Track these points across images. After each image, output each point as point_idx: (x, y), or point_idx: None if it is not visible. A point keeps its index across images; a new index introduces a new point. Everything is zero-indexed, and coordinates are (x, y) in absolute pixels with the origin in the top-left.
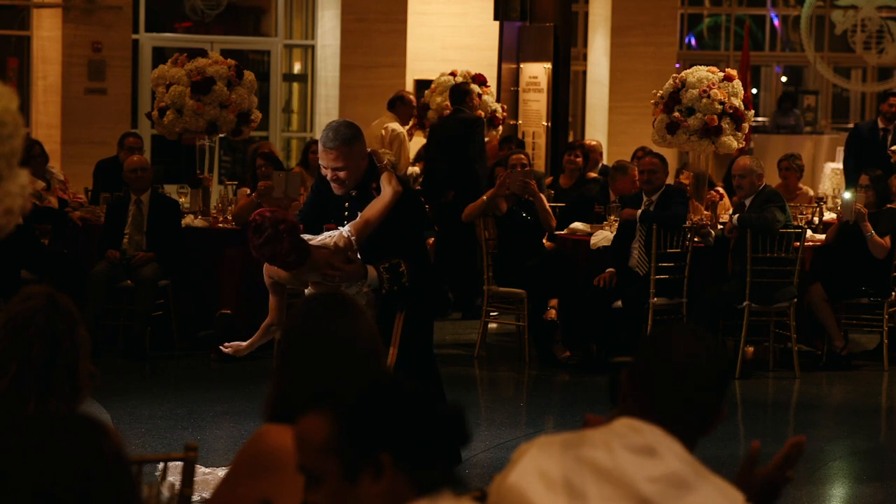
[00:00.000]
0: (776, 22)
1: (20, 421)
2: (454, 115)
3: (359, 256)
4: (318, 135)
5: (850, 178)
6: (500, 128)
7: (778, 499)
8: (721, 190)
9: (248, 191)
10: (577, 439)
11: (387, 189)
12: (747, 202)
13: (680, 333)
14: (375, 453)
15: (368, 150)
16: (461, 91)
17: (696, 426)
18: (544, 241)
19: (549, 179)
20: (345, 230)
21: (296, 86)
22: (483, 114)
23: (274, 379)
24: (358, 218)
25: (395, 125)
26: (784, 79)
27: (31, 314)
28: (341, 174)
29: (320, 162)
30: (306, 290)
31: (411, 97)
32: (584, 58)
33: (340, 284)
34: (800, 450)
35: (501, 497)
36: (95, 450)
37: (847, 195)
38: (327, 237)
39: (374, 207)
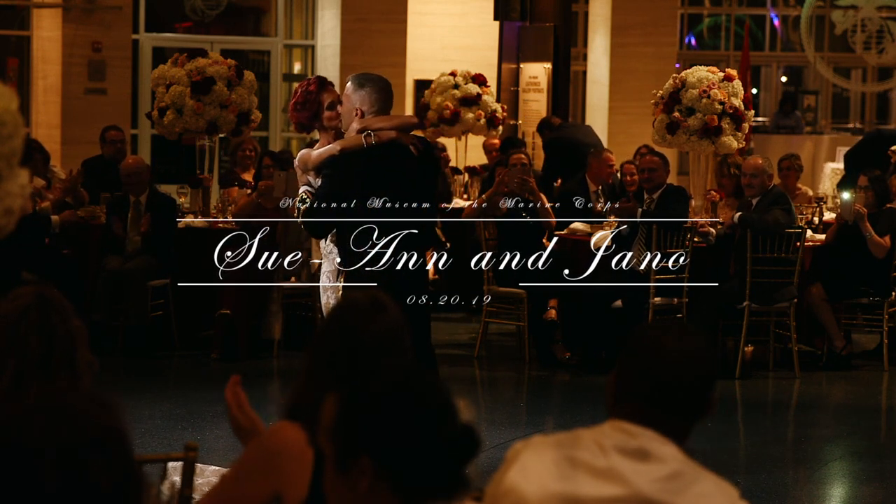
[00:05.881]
0: (776, 22)
1: (34, 400)
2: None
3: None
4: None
5: (850, 177)
6: (500, 128)
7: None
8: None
9: (249, 190)
10: (570, 440)
11: (340, 140)
12: (754, 201)
13: (669, 331)
14: (358, 454)
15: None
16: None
17: (690, 421)
18: (544, 240)
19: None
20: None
21: (296, 86)
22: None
23: (299, 379)
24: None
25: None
26: (784, 78)
27: (23, 311)
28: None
29: None
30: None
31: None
32: (584, 58)
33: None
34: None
35: (498, 497)
36: (117, 417)
37: (846, 195)
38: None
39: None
